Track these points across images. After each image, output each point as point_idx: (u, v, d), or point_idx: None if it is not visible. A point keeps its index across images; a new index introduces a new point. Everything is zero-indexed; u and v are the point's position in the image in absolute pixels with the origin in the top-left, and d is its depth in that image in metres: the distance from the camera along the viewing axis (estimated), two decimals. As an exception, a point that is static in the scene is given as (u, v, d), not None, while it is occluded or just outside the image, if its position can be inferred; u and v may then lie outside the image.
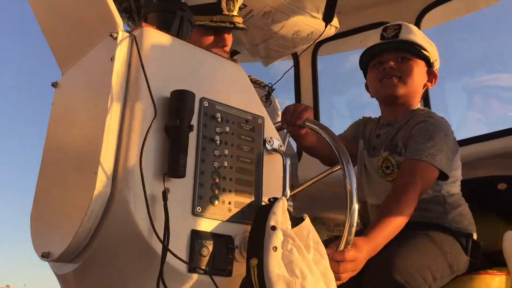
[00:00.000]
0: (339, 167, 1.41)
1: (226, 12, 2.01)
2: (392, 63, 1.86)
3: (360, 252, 1.32)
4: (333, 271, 1.21)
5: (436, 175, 1.65)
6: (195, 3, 2.00)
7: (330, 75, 3.75)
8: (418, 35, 1.89)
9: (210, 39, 2.01)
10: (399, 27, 1.89)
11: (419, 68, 1.88)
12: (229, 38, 2.07)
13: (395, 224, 1.49)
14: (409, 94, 1.88)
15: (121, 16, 2.68)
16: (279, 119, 2.01)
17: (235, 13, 2.05)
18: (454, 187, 1.81)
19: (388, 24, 1.93)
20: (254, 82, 2.24)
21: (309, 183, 1.51)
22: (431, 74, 1.92)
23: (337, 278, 1.26)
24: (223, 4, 2.00)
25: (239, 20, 2.06)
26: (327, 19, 1.90)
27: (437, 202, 1.76)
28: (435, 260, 1.54)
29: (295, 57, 3.17)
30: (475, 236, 1.75)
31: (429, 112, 1.85)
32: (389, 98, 1.91)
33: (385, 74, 1.87)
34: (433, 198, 1.76)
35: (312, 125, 1.54)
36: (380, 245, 1.43)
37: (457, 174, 1.82)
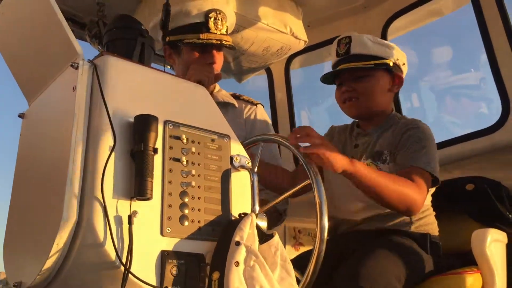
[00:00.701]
0: (308, 182, 1.44)
1: (213, 30, 2.11)
2: (347, 86, 1.89)
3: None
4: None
5: (430, 181, 1.71)
6: (184, 23, 2.13)
7: (309, 87, 3.82)
8: (369, 45, 1.88)
9: (198, 56, 2.12)
10: (349, 40, 1.91)
11: (377, 81, 1.88)
12: (218, 55, 2.15)
13: (385, 180, 1.56)
14: (372, 109, 1.90)
15: (91, 41, 2.72)
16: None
17: (223, 31, 2.14)
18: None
19: (340, 37, 1.96)
20: (247, 101, 2.33)
21: (279, 199, 1.54)
22: (394, 78, 1.92)
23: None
24: (210, 23, 2.11)
25: (227, 38, 2.14)
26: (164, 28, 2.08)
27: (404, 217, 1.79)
28: (396, 264, 1.57)
29: (269, 71, 3.22)
30: (435, 237, 1.78)
31: (413, 120, 1.86)
32: (354, 118, 1.97)
33: (345, 97, 1.90)
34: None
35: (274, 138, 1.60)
36: (358, 172, 1.49)
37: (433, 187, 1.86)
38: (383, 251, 1.58)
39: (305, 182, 1.46)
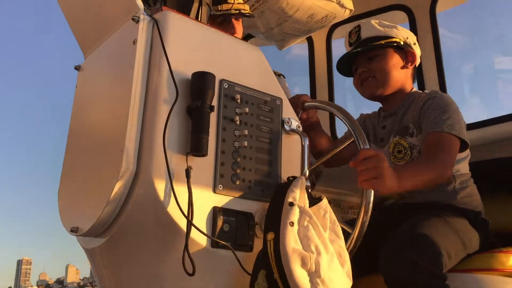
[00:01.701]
0: (352, 139, 1.45)
1: (230, 1, 2.11)
2: (362, 67, 1.94)
3: (381, 157, 1.36)
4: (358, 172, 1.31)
5: (458, 144, 1.71)
6: None
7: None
8: (377, 28, 1.95)
9: (219, 28, 2.10)
10: (358, 28, 1.99)
11: (391, 59, 1.93)
12: (238, 25, 2.17)
13: (424, 173, 1.57)
14: (391, 87, 1.94)
15: (137, 0, 2.72)
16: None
17: (240, 0, 2.15)
18: (463, 165, 1.83)
19: (351, 29, 2.02)
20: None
21: (325, 158, 1.55)
22: (407, 55, 1.96)
23: (360, 176, 1.33)
24: None
25: (245, 7, 2.16)
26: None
27: (447, 184, 1.79)
28: (448, 239, 1.57)
29: (310, 40, 3.17)
30: (483, 214, 1.78)
31: (432, 91, 1.91)
32: (373, 98, 1.99)
33: (362, 78, 1.96)
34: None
35: (316, 104, 1.59)
36: (404, 181, 1.46)
37: (466, 151, 1.84)
38: (433, 223, 1.58)
39: (350, 140, 1.47)
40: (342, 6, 2.69)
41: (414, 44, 1.98)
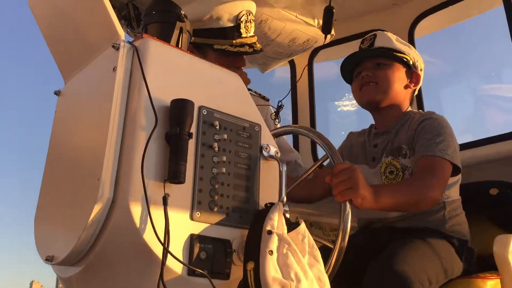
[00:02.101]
0: (326, 157, 1.48)
1: (244, 35, 2.04)
2: (368, 71, 1.93)
3: (355, 168, 1.40)
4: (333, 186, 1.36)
5: (450, 169, 1.71)
6: (214, 26, 2.02)
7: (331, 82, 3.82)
8: (393, 40, 1.96)
9: (229, 61, 2.03)
10: (374, 36, 1.98)
11: (397, 72, 1.93)
12: (246, 58, 2.14)
13: (406, 193, 1.58)
14: (390, 98, 1.93)
15: (120, 23, 2.73)
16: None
17: (251, 33, 2.08)
18: (453, 191, 1.84)
19: (365, 36, 2.02)
20: (259, 95, 2.39)
21: (298, 181, 1.57)
22: (412, 75, 1.97)
23: (334, 189, 1.38)
24: (242, 27, 2.03)
25: (255, 40, 2.09)
26: (326, 31, 2.01)
27: (437, 211, 1.80)
28: (431, 265, 1.58)
29: (292, 63, 3.22)
30: (470, 243, 1.80)
31: (428, 112, 1.90)
32: (370, 105, 1.98)
33: (364, 82, 1.93)
34: (435, 207, 1.79)
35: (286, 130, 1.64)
36: (382, 197, 1.48)
37: (457, 176, 1.85)
38: (418, 248, 1.59)
39: (323, 157, 1.50)
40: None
41: (421, 70, 2.00)
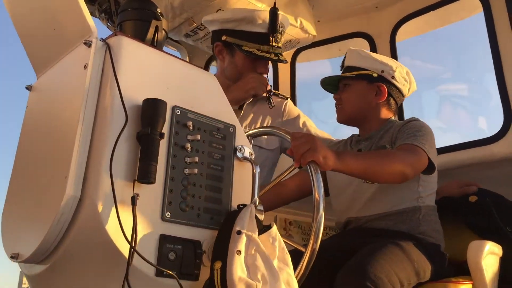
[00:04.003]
0: (294, 167, 1.51)
1: (273, 44, 2.17)
2: (337, 94, 2.09)
3: (312, 134, 1.49)
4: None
5: (426, 161, 1.76)
6: (247, 29, 2.17)
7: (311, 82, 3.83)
8: (356, 58, 2.07)
9: (254, 64, 2.21)
10: (346, 54, 2.13)
11: (358, 89, 2.05)
12: (269, 66, 2.26)
13: (376, 159, 1.64)
14: (358, 115, 2.05)
15: (100, 17, 2.71)
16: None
17: (280, 45, 2.21)
18: (430, 197, 1.88)
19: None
20: (277, 95, 2.44)
21: (272, 184, 1.57)
22: (378, 88, 2.04)
23: (295, 154, 1.44)
24: (271, 37, 2.15)
25: (281, 51, 2.22)
26: (271, 31, 2.12)
27: (412, 214, 1.83)
28: (403, 267, 1.60)
29: (275, 63, 3.22)
30: (442, 247, 1.82)
31: (411, 117, 1.99)
32: (341, 123, 2.12)
33: (335, 104, 2.11)
34: (411, 209, 1.84)
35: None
36: (347, 158, 1.54)
37: (434, 184, 1.91)
38: (390, 251, 1.61)
39: (290, 168, 1.53)
40: (305, 31, 2.77)
41: (393, 77, 2.04)
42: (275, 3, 2.10)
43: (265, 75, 2.24)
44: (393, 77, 2.03)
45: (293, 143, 1.45)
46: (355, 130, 2.17)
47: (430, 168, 1.78)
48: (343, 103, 2.06)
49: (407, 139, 1.79)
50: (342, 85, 2.09)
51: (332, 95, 2.14)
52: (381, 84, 2.03)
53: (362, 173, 1.66)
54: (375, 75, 2.03)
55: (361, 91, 2.04)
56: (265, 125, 2.31)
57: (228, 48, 2.23)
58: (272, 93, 2.34)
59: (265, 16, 2.17)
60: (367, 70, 2.04)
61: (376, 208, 1.86)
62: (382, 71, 2.03)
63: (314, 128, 2.40)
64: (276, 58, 2.18)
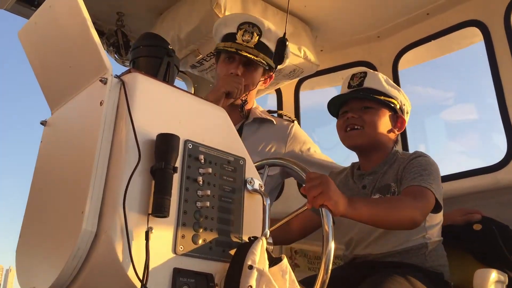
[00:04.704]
0: (305, 207, 1.50)
1: (239, 41, 2.20)
2: (354, 113, 1.94)
3: (326, 176, 1.45)
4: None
5: (433, 201, 1.73)
6: (221, 33, 2.29)
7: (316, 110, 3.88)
8: (382, 82, 1.96)
9: (227, 67, 2.25)
10: (364, 75, 1.98)
11: (383, 117, 1.95)
12: (244, 69, 2.23)
13: (385, 207, 1.60)
14: (374, 143, 1.95)
15: (108, 50, 2.77)
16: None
17: (250, 45, 2.20)
18: (436, 231, 1.88)
19: (355, 72, 2.03)
20: (282, 116, 2.49)
21: (283, 221, 1.58)
22: (397, 120, 1.99)
23: (308, 196, 1.42)
24: (239, 34, 2.20)
25: (249, 51, 2.19)
26: (277, 61, 2.18)
27: (419, 250, 1.83)
28: None
29: (278, 92, 3.27)
30: (446, 277, 1.82)
31: (416, 151, 1.93)
32: (353, 148, 2.00)
33: (348, 124, 1.94)
34: (417, 246, 1.83)
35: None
36: (358, 204, 1.51)
37: (440, 215, 1.90)
38: (395, 281, 1.61)
39: (302, 207, 1.51)
40: (309, 61, 2.82)
41: (407, 113, 2.02)
42: (285, 34, 2.13)
43: (239, 75, 2.20)
44: (407, 113, 2.03)
45: (307, 184, 1.44)
46: (347, 155, 2.12)
47: (436, 207, 1.77)
48: (366, 126, 1.91)
49: (414, 179, 1.76)
50: (361, 107, 1.94)
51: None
52: (403, 119, 1.99)
53: (372, 221, 1.62)
54: (398, 106, 1.97)
55: (386, 119, 1.95)
56: (266, 150, 2.28)
57: (217, 56, 2.35)
58: (275, 114, 2.41)
59: (232, 16, 2.31)
60: (393, 98, 1.96)
61: (383, 247, 1.84)
62: (404, 105, 2.00)
63: (319, 154, 2.37)
64: (235, 51, 2.19)
